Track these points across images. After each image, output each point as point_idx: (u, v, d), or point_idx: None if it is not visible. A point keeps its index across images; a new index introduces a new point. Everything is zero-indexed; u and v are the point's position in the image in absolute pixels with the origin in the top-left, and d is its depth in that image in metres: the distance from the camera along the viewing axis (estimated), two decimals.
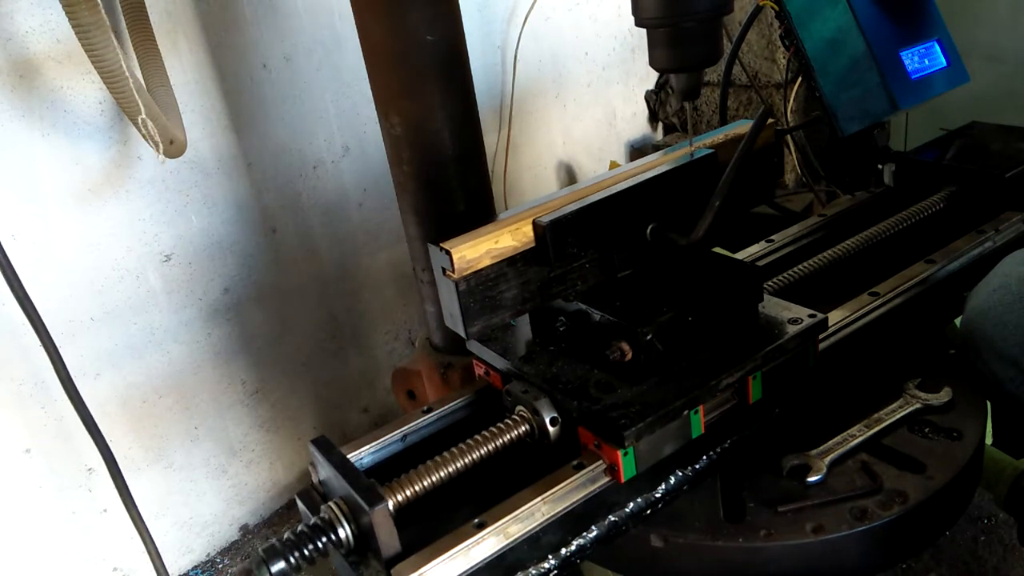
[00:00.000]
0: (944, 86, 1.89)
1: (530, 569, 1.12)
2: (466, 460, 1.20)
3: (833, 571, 1.17)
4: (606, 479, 1.20)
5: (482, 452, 1.22)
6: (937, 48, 1.90)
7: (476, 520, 1.11)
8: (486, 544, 1.10)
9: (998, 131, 2.01)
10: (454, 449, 1.21)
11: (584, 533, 1.16)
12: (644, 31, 1.27)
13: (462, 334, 1.26)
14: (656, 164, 1.41)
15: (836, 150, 1.86)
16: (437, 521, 1.18)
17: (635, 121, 3.49)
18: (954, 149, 1.97)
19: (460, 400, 1.42)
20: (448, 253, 1.20)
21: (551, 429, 1.23)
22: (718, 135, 1.50)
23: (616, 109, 3.38)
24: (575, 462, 1.19)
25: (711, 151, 1.41)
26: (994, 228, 1.72)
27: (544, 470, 1.20)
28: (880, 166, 1.96)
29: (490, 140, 2.80)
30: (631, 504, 1.20)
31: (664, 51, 1.26)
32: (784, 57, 3.01)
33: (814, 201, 2.41)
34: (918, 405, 1.34)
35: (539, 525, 1.13)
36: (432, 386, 1.82)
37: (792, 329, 1.30)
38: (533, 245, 1.27)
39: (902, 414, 1.33)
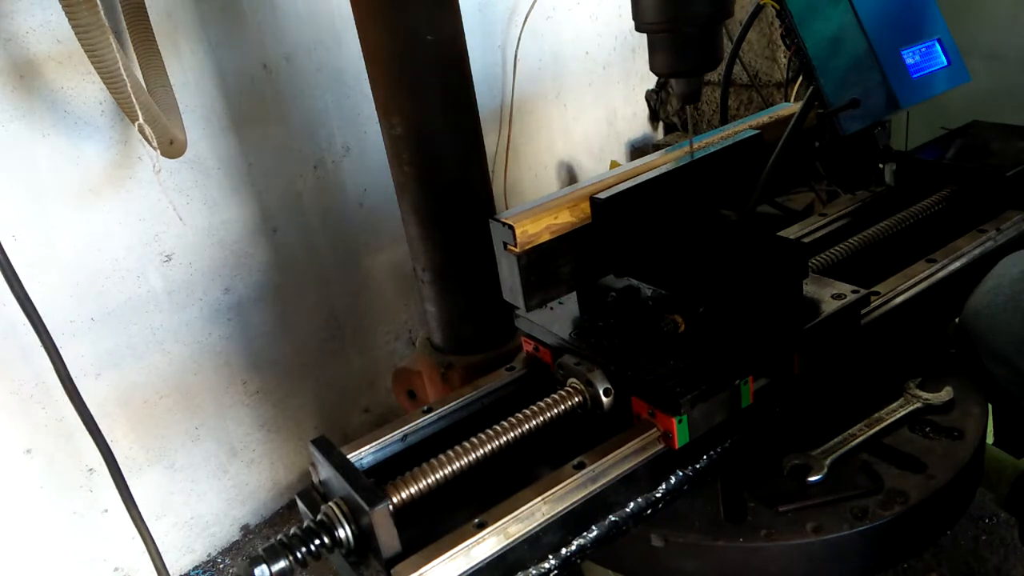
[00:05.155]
0: (945, 85, 1.88)
1: (530, 569, 1.12)
2: (474, 456, 1.19)
3: (834, 571, 1.17)
4: (660, 446, 1.22)
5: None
6: (938, 47, 1.89)
7: (476, 520, 1.11)
8: (486, 544, 1.09)
9: (999, 130, 2.00)
10: (465, 444, 1.20)
11: (584, 533, 1.16)
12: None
13: (521, 307, 1.31)
14: (703, 145, 1.46)
15: (837, 149, 1.85)
16: (437, 521, 1.18)
17: (635, 121, 3.49)
18: (955, 148, 1.96)
19: (461, 400, 1.42)
20: (511, 228, 1.24)
21: (605, 400, 1.26)
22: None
23: (616, 109, 3.38)
24: (575, 461, 1.19)
25: (757, 132, 1.46)
26: (995, 227, 1.71)
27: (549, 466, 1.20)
28: (881, 165, 1.95)
29: (490, 140, 2.80)
30: (631, 504, 1.20)
31: (664, 56, 1.28)
32: (785, 56, 3.02)
33: (815, 200, 2.41)
34: (919, 404, 1.34)
35: (539, 525, 1.13)
36: (432, 386, 1.82)
37: (836, 304, 1.33)
38: (589, 221, 1.32)
39: (903, 413, 1.33)
